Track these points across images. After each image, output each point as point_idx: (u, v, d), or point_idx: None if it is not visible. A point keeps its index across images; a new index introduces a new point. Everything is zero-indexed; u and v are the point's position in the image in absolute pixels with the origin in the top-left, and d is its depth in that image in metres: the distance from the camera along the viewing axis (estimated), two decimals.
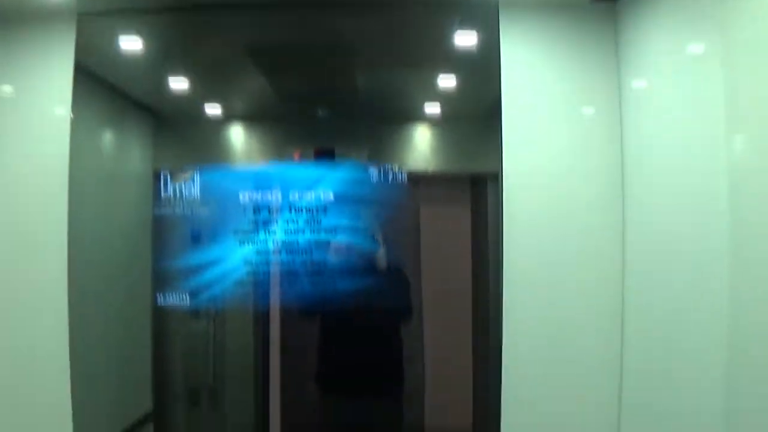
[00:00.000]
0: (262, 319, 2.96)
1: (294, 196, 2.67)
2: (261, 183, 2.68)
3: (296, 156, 2.79)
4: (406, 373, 3.21)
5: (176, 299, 2.67)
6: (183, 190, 2.66)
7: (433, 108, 3.02)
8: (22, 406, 2.33)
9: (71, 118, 2.48)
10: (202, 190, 2.67)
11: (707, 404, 1.63)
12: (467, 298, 3.23)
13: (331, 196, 2.66)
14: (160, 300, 2.68)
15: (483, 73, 2.64)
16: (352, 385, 3.14)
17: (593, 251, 2.34)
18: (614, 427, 2.24)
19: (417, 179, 2.94)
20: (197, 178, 2.66)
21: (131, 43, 2.71)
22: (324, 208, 2.66)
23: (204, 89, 2.95)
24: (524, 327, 2.32)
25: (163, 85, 2.90)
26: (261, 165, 2.79)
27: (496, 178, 2.59)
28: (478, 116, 2.89)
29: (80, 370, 2.43)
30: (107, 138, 2.90)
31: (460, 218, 3.26)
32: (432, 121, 2.97)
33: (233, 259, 2.65)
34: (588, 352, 2.28)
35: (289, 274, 2.68)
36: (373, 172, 2.71)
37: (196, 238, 2.70)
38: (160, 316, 2.91)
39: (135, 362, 2.95)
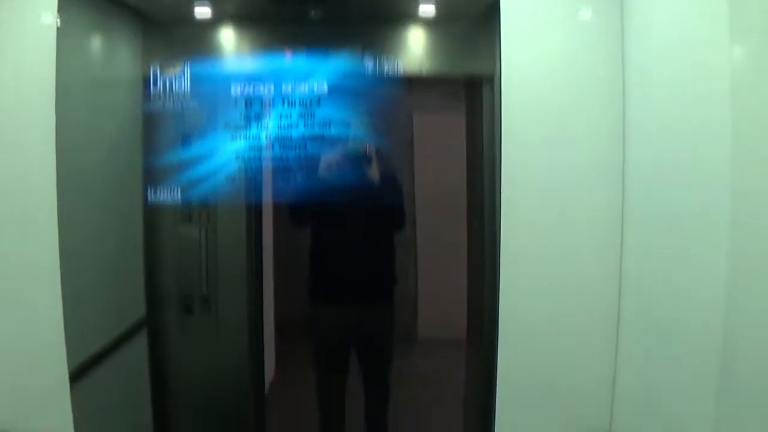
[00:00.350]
0: (254, 217, 2.94)
1: (287, 88, 2.61)
2: (253, 76, 2.63)
3: (288, 56, 2.73)
4: (399, 283, 3.21)
5: (167, 196, 2.63)
6: (173, 84, 2.61)
7: (427, 6, 2.95)
8: (11, 314, 2.30)
9: (58, 24, 2.40)
10: (193, 83, 2.61)
11: (709, 292, 1.60)
12: (462, 206, 3.20)
13: (325, 88, 2.61)
14: (151, 197, 2.64)
15: None
16: (344, 293, 3.14)
17: (593, 155, 2.31)
18: (613, 335, 2.23)
19: (410, 82, 2.89)
20: (187, 71, 2.60)
21: None
22: (318, 101, 2.61)
23: None
24: (522, 234, 2.29)
25: None
26: (253, 58, 2.72)
27: (491, 80, 2.54)
28: (474, 16, 2.83)
29: (71, 276, 2.41)
30: (95, 42, 2.83)
31: (455, 123, 3.22)
32: (426, 21, 2.90)
33: (225, 153, 2.61)
34: (587, 260, 2.26)
35: (282, 169, 2.65)
36: (369, 63, 2.65)
37: (187, 133, 2.65)
38: (151, 218, 2.89)
39: (127, 268, 2.93)
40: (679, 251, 1.76)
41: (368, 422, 3.22)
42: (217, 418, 2.99)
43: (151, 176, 2.68)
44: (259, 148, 2.60)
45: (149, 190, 2.64)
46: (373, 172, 3.03)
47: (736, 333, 1.43)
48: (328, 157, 2.90)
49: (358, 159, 2.95)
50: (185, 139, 2.65)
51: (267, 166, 2.62)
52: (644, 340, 1.98)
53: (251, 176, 2.64)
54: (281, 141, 2.59)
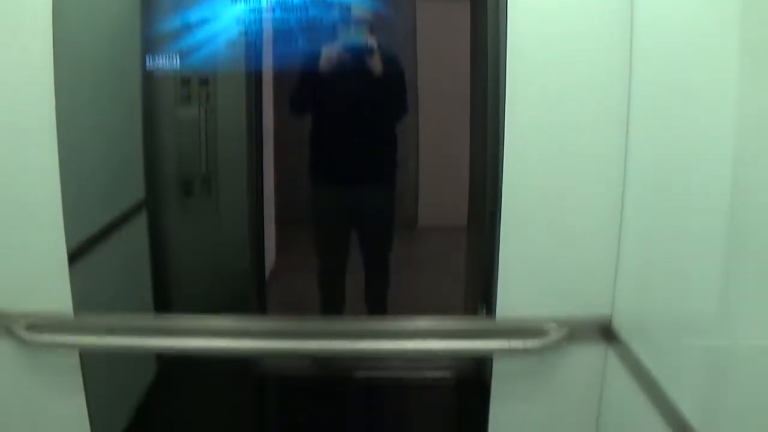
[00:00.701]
0: (255, 93, 2.90)
1: None
2: None
3: None
4: (400, 169, 3.20)
5: (166, 63, 2.59)
6: None
7: None
8: (6, 194, 2.26)
9: None
10: None
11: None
12: (465, 94, 3.16)
13: None
14: (150, 64, 2.59)
15: None
16: (345, 177, 3.13)
17: (601, 36, 2.23)
18: (617, 214, 2.19)
19: None
20: None
21: None
22: None
23: None
24: (525, 122, 2.23)
25: None
26: None
27: None
28: None
29: (68, 155, 2.36)
30: None
31: (458, 11, 3.15)
32: None
33: (225, 18, 2.55)
34: (591, 152, 2.21)
35: (283, 32, 2.60)
36: None
37: None
38: (150, 97, 2.85)
39: (126, 148, 2.90)
40: (686, 121, 1.71)
41: (368, 306, 3.25)
42: (217, 301, 2.99)
43: (150, 44, 2.62)
44: (260, 11, 2.53)
45: (148, 58, 2.58)
46: (375, 63, 2.99)
47: (744, 201, 1.40)
48: (329, 50, 2.86)
49: (360, 50, 2.91)
50: (185, 5, 2.59)
51: (268, 29, 2.57)
52: (649, 213, 1.95)
53: (252, 41, 2.59)
54: (282, 4, 2.53)
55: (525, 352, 2.07)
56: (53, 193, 2.22)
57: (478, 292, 2.55)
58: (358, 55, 2.93)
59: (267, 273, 3.24)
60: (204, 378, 2.87)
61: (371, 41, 2.92)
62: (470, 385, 2.94)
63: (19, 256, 2.23)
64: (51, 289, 2.23)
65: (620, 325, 2.07)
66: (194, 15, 2.57)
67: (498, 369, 2.21)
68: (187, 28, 2.57)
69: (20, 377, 2.21)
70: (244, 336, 2.15)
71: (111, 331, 2.15)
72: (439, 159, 3.82)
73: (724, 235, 1.43)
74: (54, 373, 2.23)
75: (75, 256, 2.32)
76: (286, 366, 3.10)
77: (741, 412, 1.32)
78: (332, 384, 3.07)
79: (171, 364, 2.91)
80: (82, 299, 2.28)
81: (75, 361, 2.21)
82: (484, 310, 2.28)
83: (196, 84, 2.87)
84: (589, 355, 2.15)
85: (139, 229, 2.98)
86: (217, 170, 2.97)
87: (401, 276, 3.29)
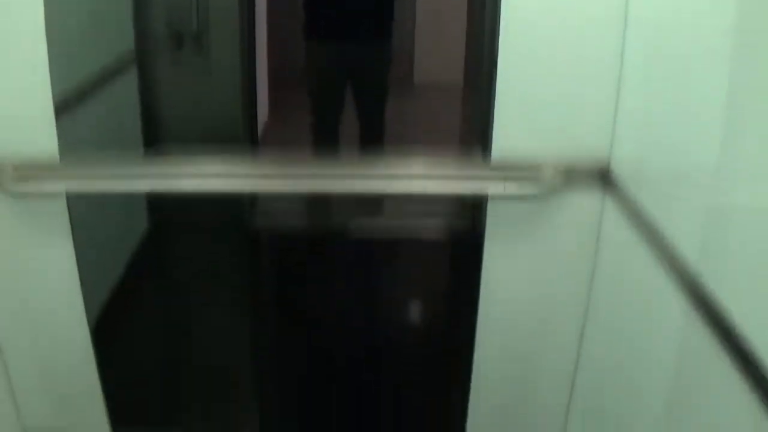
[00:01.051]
0: None
1: None
2: None
3: None
4: (396, 23, 3.13)
5: None
6: None
7: None
8: None
9: None
10: None
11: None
12: None
13: None
14: None
15: None
16: (340, 27, 3.07)
17: None
18: (617, 63, 2.12)
19: None
20: None
21: None
22: None
23: None
24: None
25: None
26: None
27: None
28: None
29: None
30: None
31: None
32: None
33: None
34: (589, 45, 2.12)
35: None
36: None
37: None
38: None
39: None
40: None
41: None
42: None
43: None
44: None
45: None
46: None
47: (749, 48, 1.33)
48: None
49: None
50: None
51: None
52: (650, 56, 1.88)
53: None
54: None
55: (520, 189, 2.03)
56: (38, 38, 2.14)
57: (475, 137, 2.51)
58: None
59: (260, 130, 3.19)
60: (197, 233, 2.86)
61: None
62: (464, 236, 2.94)
63: (3, 104, 2.17)
64: (37, 136, 2.16)
65: (619, 170, 2.04)
66: None
67: (492, 216, 2.18)
68: None
69: (7, 226, 2.18)
70: (236, 176, 2.06)
71: (98, 175, 2.07)
72: (437, 17, 3.74)
73: (727, 81, 1.40)
74: (41, 222, 2.19)
75: (64, 106, 2.27)
76: (281, 223, 3.09)
77: (744, 258, 1.30)
78: (327, 241, 3.08)
79: (162, 217, 2.89)
80: (70, 150, 2.23)
81: (63, 208, 2.16)
82: (480, 153, 2.24)
83: None
84: (586, 201, 2.14)
85: (129, 82, 2.91)
86: (208, 25, 2.89)
87: (397, 132, 3.26)
